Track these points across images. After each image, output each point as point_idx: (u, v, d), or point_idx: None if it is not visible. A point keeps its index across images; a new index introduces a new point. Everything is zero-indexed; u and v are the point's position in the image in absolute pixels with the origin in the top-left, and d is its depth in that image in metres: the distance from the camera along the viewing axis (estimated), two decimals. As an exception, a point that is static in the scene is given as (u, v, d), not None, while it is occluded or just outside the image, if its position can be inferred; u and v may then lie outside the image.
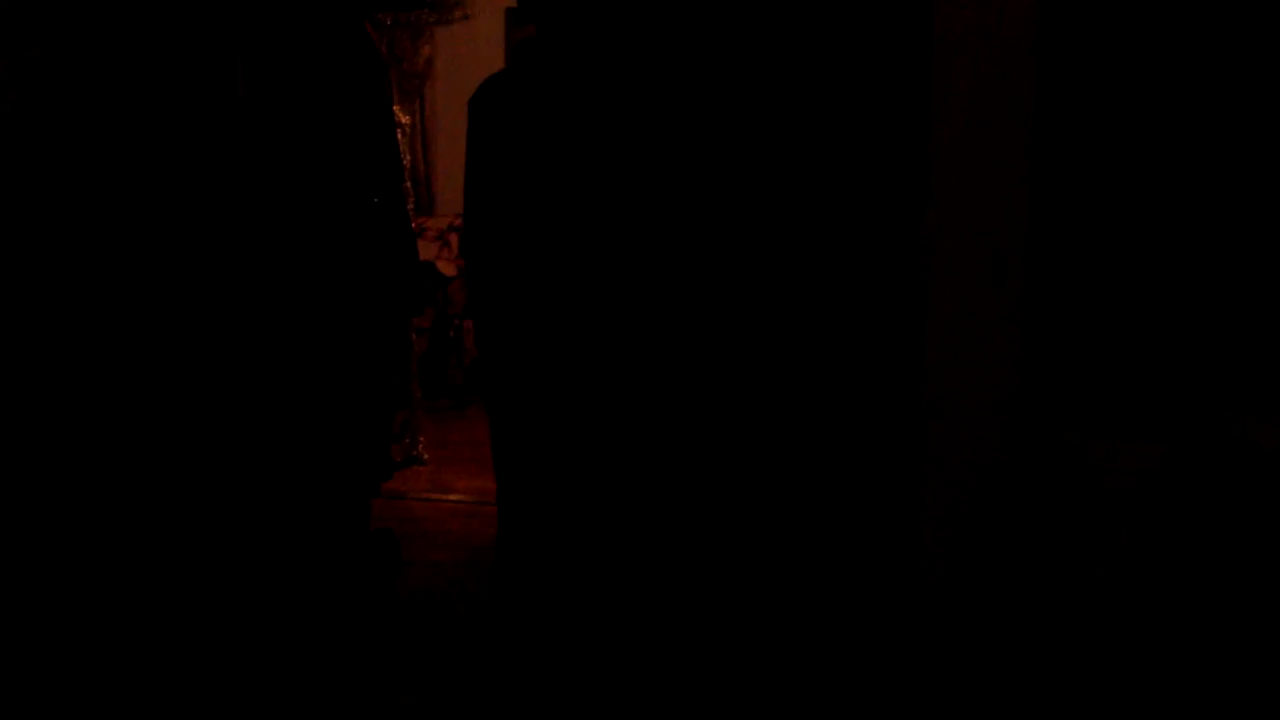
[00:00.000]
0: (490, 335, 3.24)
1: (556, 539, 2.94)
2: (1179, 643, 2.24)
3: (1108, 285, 2.37)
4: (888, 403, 2.27)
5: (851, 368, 2.33)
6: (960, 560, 2.25)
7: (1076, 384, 2.37)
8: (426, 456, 4.63)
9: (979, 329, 2.20)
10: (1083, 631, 2.27)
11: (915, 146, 2.15)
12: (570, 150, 2.53)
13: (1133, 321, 2.37)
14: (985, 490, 2.25)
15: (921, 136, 2.13)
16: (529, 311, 2.84)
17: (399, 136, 3.92)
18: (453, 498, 4.10)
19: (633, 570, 2.62)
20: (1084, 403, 2.36)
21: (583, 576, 2.67)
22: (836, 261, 2.35)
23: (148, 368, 2.82)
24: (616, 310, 2.55)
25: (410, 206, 4.10)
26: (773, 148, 2.37)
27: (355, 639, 2.80)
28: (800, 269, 2.38)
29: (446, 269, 6.11)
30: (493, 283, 2.81)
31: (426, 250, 5.65)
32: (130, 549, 2.82)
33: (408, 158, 4.59)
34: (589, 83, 2.53)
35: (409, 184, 4.30)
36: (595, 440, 2.70)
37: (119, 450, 2.80)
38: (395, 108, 3.71)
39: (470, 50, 6.46)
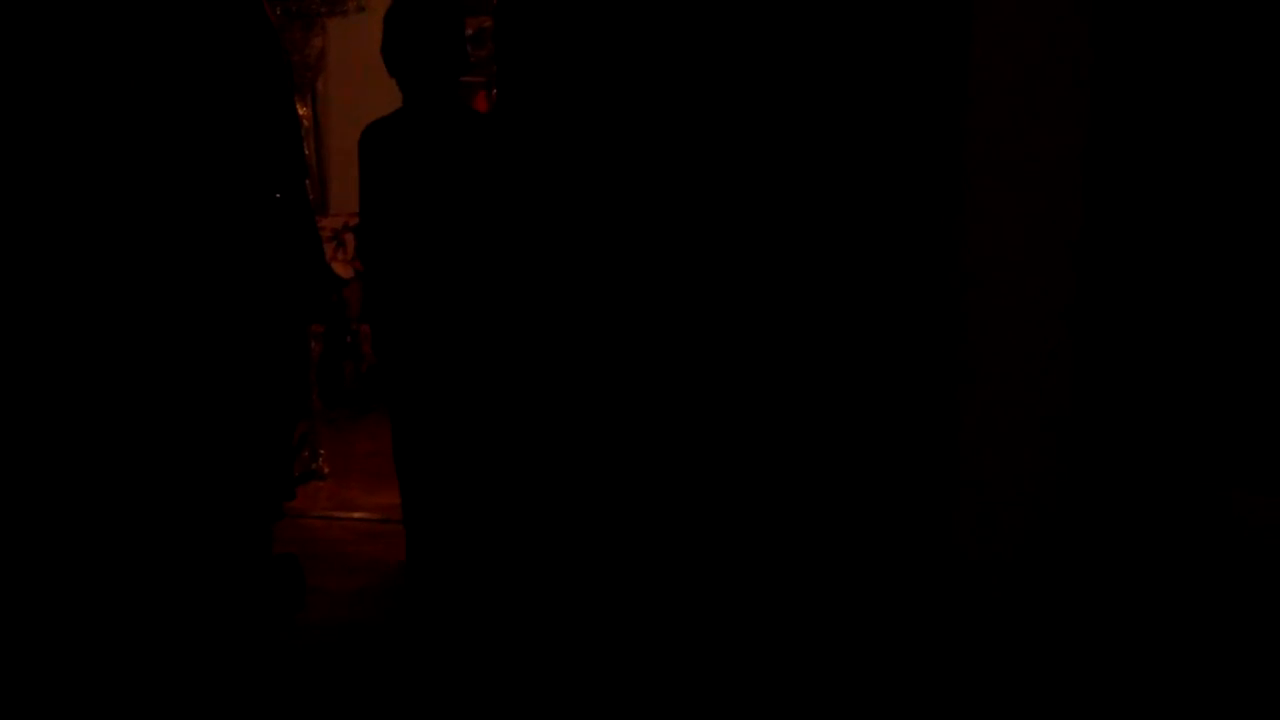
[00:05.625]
0: (392, 343, 3.10)
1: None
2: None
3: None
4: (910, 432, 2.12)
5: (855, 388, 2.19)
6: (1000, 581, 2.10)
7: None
8: (327, 470, 4.40)
9: (1022, 335, 2.04)
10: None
11: (946, 143, 1.99)
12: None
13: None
14: (1029, 517, 2.10)
15: (953, 129, 1.98)
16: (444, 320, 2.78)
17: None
18: (356, 515, 3.89)
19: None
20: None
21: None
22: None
23: (19, 376, 2.57)
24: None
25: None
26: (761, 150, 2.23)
27: (249, 683, 2.59)
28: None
29: (342, 271, 5.86)
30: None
31: (321, 252, 5.39)
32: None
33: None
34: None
35: (302, 182, 4.07)
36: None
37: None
38: (289, 100, 3.47)
39: (365, 43, 6.17)
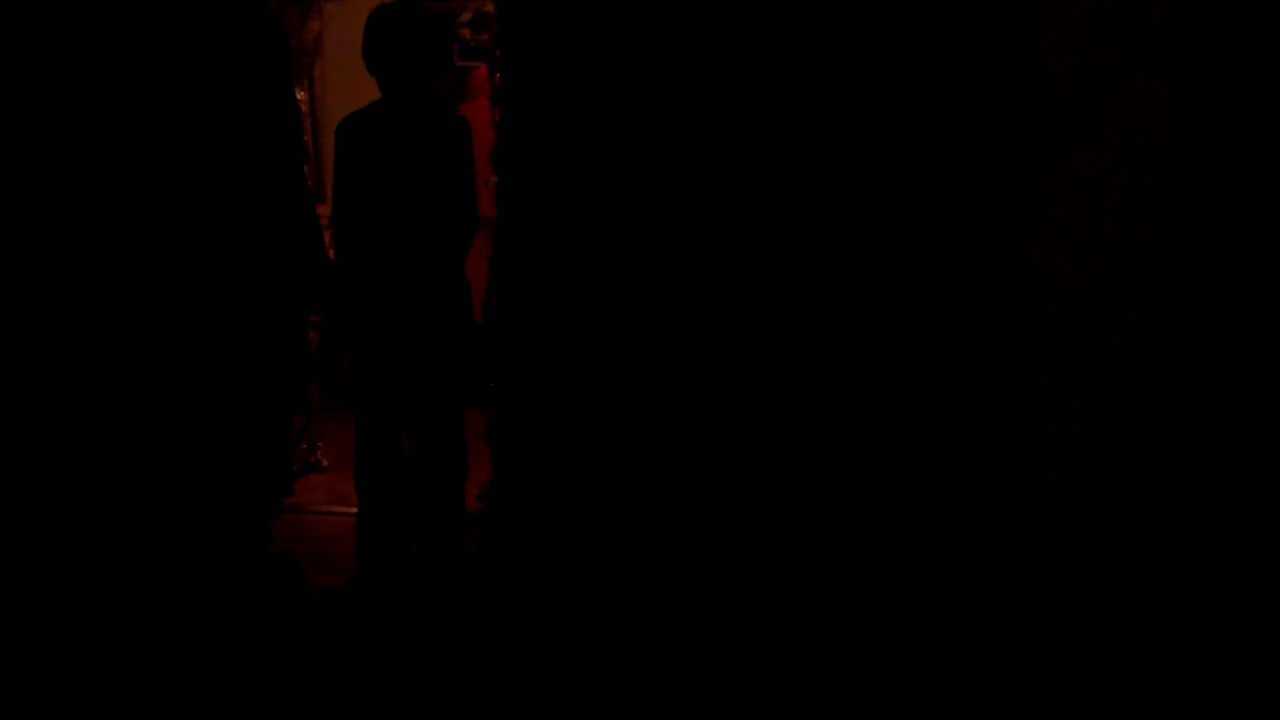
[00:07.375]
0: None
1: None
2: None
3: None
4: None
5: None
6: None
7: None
8: (325, 463, 4.33)
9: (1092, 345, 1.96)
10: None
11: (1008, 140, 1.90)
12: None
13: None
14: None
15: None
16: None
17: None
18: (354, 510, 3.80)
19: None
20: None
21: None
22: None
23: (14, 369, 2.50)
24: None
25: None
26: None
27: (246, 681, 2.53)
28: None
29: (340, 259, 5.81)
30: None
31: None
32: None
33: (299, 141, 4.27)
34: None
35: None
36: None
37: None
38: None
39: (363, 28, 6.11)
